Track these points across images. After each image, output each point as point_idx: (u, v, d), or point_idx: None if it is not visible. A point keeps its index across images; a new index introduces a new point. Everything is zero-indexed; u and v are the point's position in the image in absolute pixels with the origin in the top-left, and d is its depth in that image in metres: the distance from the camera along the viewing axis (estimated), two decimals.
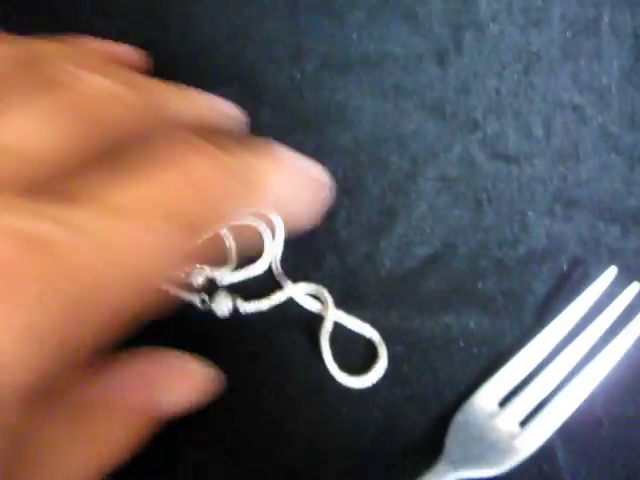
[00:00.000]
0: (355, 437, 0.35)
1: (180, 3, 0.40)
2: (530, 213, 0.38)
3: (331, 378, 0.35)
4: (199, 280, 0.37)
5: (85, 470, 0.27)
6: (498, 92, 0.39)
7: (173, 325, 0.33)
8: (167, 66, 0.41)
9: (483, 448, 0.34)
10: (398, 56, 0.39)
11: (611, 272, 0.37)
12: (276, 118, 0.39)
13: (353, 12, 0.39)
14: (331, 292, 0.37)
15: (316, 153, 0.38)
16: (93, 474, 0.27)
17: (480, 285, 0.37)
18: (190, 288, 0.37)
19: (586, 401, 0.35)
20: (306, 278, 0.37)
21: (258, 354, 0.36)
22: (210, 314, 0.36)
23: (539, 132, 0.39)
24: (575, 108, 0.39)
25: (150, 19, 0.40)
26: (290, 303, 0.37)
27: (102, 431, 0.27)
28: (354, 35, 0.39)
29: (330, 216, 0.39)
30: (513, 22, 0.39)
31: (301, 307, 0.37)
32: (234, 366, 0.35)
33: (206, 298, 0.37)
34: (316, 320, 0.36)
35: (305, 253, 0.38)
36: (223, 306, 0.37)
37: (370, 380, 0.36)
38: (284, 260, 0.37)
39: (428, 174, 0.39)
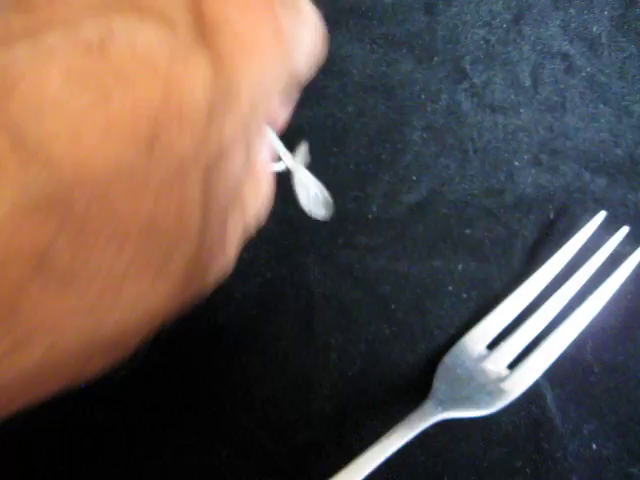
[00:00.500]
0: (343, 371, 0.35)
1: None
2: (516, 162, 0.38)
3: (322, 314, 0.35)
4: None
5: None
6: (487, 41, 0.39)
7: None
8: None
9: (471, 390, 0.34)
10: (387, 5, 0.39)
11: (599, 217, 0.37)
12: None
13: None
14: (318, 230, 0.37)
15: (304, 102, 0.39)
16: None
17: (468, 231, 0.37)
18: None
19: (575, 347, 0.35)
20: (292, 219, 0.37)
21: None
22: None
23: (527, 82, 0.39)
24: (564, 57, 0.39)
25: None
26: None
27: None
28: None
29: (319, 163, 0.39)
30: None
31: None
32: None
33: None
34: None
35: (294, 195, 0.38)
36: None
37: None
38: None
39: (415, 123, 0.39)
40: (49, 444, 0.33)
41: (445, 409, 0.33)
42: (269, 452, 0.33)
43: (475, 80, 0.39)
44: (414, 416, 0.33)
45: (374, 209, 0.38)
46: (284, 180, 0.40)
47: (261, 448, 0.32)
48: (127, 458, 0.33)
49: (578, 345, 0.35)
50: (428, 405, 0.33)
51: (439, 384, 0.34)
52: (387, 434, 0.32)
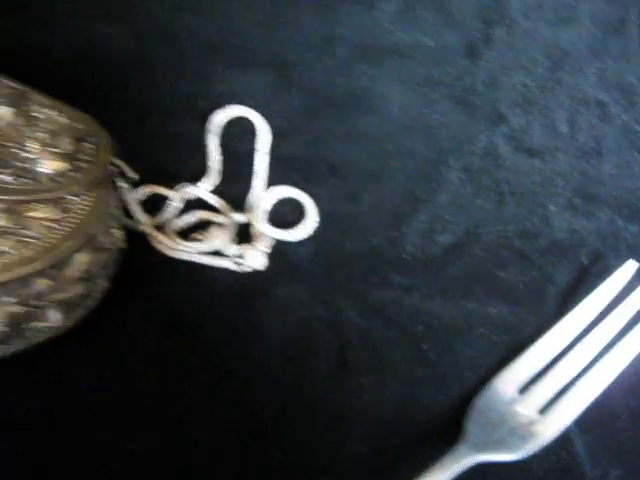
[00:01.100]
0: (376, 412, 0.35)
1: None
2: (551, 207, 0.39)
3: (355, 354, 0.36)
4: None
5: None
6: (525, 86, 0.40)
7: None
8: (202, 50, 0.42)
9: (503, 433, 0.34)
10: (429, 47, 0.40)
11: (631, 265, 0.37)
12: (306, 102, 0.41)
13: (387, 2, 0.40)
14: (354, 270, 0.38)
15: (344, 139, 0.40)
16: None
17: (501, 274, 0.38)
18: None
19: (604, 393, 0.36)
20: (330, 257, 0.38)
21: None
22: None
23: (563, 128, 0.40)
24: (600, 105, 0.40)
25: (187, 3, 0.41)
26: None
27: None
28: (387, 24, 0.40)
29: (355, 201, 0.40)
30: (543, 19, 0.40)
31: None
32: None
33: (240, 260, 0.38)
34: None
35: (330, 233, 0.39)
36: (258, 259, 0.38)
37: (300, 233, 0.39)
38: (311, 237, 0.39)
39: (452, 164, 0.40)
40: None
41: (478, 452, 0.33)
42: None
43: (513, 124, 0.40)
44: (448, 459, 0.33)
45: (409, 248, 0.39)
46: (329, 222, 0.41)
47: None
48: None
49: (606, 391, 0.36)
50: (461, 448, 0.33)
51: (471, 427, 0.34)
52: (422, 476, 0.32)
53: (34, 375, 0.34)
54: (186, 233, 0.39)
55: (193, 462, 0.33)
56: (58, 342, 0.35)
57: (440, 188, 0.40)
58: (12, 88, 0.39)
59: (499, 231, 0.39)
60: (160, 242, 0.39)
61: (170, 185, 0.41)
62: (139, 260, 0.38)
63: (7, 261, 0.31)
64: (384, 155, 0.40)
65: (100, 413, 0.34)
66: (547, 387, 0.36)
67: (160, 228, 0.39)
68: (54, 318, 0.34)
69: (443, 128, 0.40)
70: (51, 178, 0.34)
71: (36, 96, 0.38)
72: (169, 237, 0.39)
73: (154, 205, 0.40)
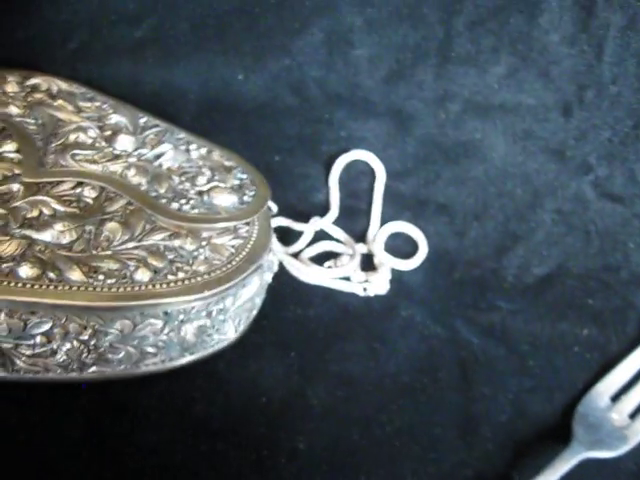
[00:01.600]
0: (497, 417, 0.40)
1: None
2: (631, 244, 0.46)
3: (473, 368, 0.41)
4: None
5: None
6: (610, 142, 0.47)
7: None
8: (328, 99, 0.48)
9: (602, 435, 0.41)
10: (530, 106, 0.47)
11: None
12: (420, 150, 0.47)
13: (496, 66, 0.47)
14: (464, 296, 0.44)
15: (451, 182, 0.46)
16: None
17: (590, 301, 0.45)
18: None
19: None
20: (441, 285, 0.44)
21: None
22: None
23: None
24: None
25: (316, 56, 0.47)
26: None
27: None
28: (494, 84, 0.47)
29: (461, 236, 0.46)
30: (629, 85, 0.46)
31: None
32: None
33: (366, 285, 0.44)
34: None
35: (439, 264, 0.45)
36: (382, 284, 0.43)
37: (414, 263, 0.45)
38: (422, 267, 0.45)
39: (546, 206, 0.47)
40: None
41: (587, 449, 0.40)
42: None
43: (599, 173, 0.47)
44: (565, 454, 0.39)
45: (509, 279, 0.46)
46: (438, 255, 0.46)
47: (439, 477, 0.38)
48: None
49: None
50: (574, 445, 0.40)
51: (578, 428, 0.41)
52: (545, 468, 0.38)
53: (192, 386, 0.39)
54: (316, 262, 0.45)
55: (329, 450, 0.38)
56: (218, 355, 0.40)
57: (536, 227, 0.46)
58: (158, 125, 0.44)
59: (587, 264, 0.46)
60: (297, 268, 0.44)
61: (297, 220, 0.46)
62: (279, 284, 0.43)
63: (204, 280, 0.36)
64: (486, 197, 0.47)
65: (249, 420, 0.38)
66: (635, 396, 0.42)
67: (294, 256, 0.45)
68: (229, 331, 0.39)
69: (539, 175, 0.47)
70: (225, 209, 0.40)
71: (182, 133, 0.44)
72: (305, 264, 0.44)
73: (282, 238, 0.45)
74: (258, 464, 0.37)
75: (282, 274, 0.44)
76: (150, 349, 0.37)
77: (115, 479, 0.36)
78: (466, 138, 0.47)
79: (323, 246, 0.46)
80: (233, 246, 0.38)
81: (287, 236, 0.46)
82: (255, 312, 0.41)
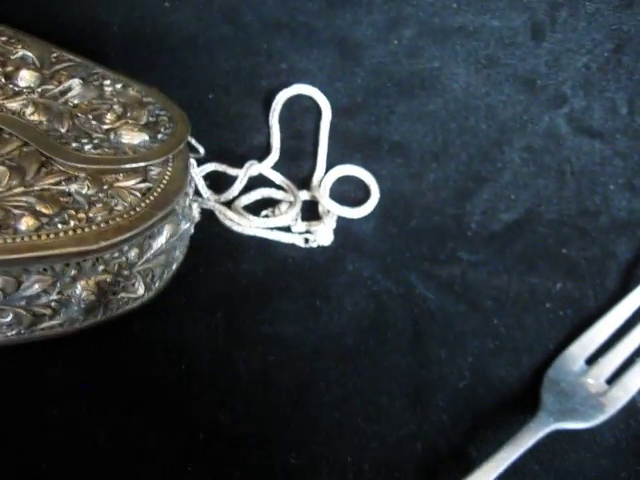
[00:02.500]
0: (454, 383, 0.35)
1: None
2: (611, 186, 0.40)
3: (428, 328, 0.37)
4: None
5: None
6: (588, 68, 0.41)
7: None
8: (265, 28, 0.43)
9: (575, 403, 0.36)
10: (494, 28, 0.41)
11: None
12: (371, 82, 0.42)
13: None
14: (421, 247, 0.39)
15: (406, 118, 0.41)
16: None
17: (564, 251, 0.39)
18: None
19: None
20: (395, 235, 0.39)
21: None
22: None
23: (623, 109, 0.41)
24: None
25: None
26: None
27: None
28: (454, 5, 0.41)
29: (418, 179, 0.41)
30: (608, 2, 0.41)
31: None
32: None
33: (309, 236, 0.39)
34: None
35: (394, 211, 0.40)
36: (325, 235, 0.38)
37: (365, 210, 0.40)
38: (374, 215, 0.39)
39: (515, 144, 0.41)
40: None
41: (556, 420, 0.34)
42: (390, 461, 0.33)
43: (575, 105, 0.42)
44: (531, 426, 0.34)
45: (473, 226, 0.40)
46: (392, 200, 0.42)
47: (381, 457, 0.33)
48: None
49: None
50: (541, 416, 0.35)
51: (547, 396, 0.35)
52: (507, 443, 0.33)
53: (105, 351, 0.34)
54: (252, 210, 0.40)
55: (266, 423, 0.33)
56: (132, 317, 0.35)
57: (503, 167, 0.41)
58: (73, 60, 0.39)
59: (561, 209, 0.40)
60: (230, 218, 0.39)
61: (233, 164, 0.41)
62: (209, 236, 0.38)
63: (100, 229, 0.31)
64: (447, 134, 0.41)
65: (170, 388, 0.34)
66: (613, 358, 0.37)
67: (227, 205, 0.40)
68: (138, 289, 0.34)
69: (506, 108, 0.41)
70: (133, 149, 0.34)
71: (99, 69, 0.39)
72: (238, 214, 0.39)
73: (216, 184, 0.40)
74: (171, 441, 0.32)
75: (213, 225, 0.39)
76: (43, 310, 0.32)
77: (12, 456, 0.31)
78: (422, 67, 0.42)
79: (261, 193, 0.40)
80: (140, 190, 0.33)
81: (223, 183, 0.40)
82: (175, 267, 0.36)
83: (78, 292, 0.32)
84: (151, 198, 0.33)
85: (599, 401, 0.35)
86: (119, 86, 0.38)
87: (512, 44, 0.42)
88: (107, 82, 0.38)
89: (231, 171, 0.41)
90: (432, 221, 0.40)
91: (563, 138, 0.41)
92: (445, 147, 0.41)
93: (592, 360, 0.36)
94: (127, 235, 0.32)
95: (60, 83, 0.37)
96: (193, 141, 0.38)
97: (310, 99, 0.43)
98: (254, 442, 0.32)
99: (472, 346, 0.36)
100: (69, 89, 0.37)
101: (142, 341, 0.35)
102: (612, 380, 0.36)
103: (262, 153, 0.41)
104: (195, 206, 0.37)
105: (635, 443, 0.35)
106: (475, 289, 0.38)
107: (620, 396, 0.36)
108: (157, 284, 0.35)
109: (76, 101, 0.36)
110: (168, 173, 0.34)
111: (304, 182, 0.41)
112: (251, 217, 0.39)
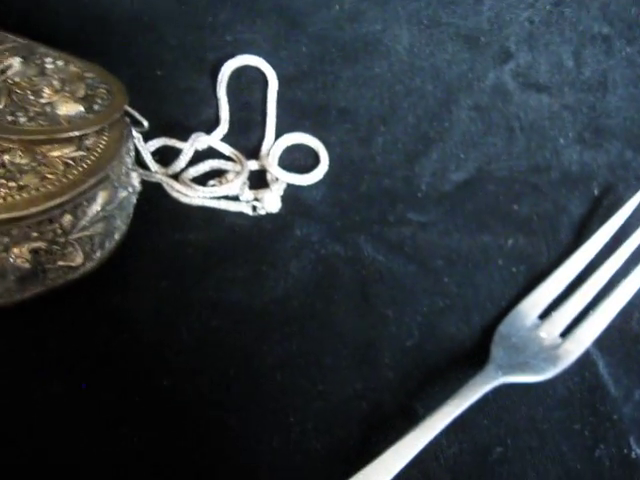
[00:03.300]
0: (402, 341, 0.35)
1: None
2: (561, 140, 0.40)
3: (376, 288, 0.36)
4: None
5: None
6: (531, 23, 0.41)
7: None
8: (205, 2, 0.43)
9: (527, 357, 0.35)
10: None
11: None
12: (315, 49, 0.41)
13: None
14: (370, 211, 0.38)
15: (352, 83, 0.40)
16: None
17: (515, 207, 0.38)
18: None
19: (623, 317, 0.36)
20: (345, 200, 0.38)
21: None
22: None
23: (569, 62, 0.40)
24: (604, 39, 0.41)
25: None
26: None
27: None
28: None
29: (367, 143, 0.41)
30: None
31: None
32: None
33: (257, 204, 0.38)
34: None
35: (343, 176, 0.39)
36: (273, 202, 0.38)
37: (314, 177, 0.39)
38: (324, 181, 0.39)
39: (462, 103, 0.40)
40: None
41: (505, 374, 0.34)
42: (334, 419, 0.33)
43: (520, 60, 0.41)
44: (477, 380, 0.33)
45: (423, 187, 0.39)
46: (339, 166, 0.41)
47: (325, 416, 0.32)
48: None
49: (625, 315, 0.36)
50: (489, 369, 0.34)
51: (497, 350, 0.35)
52: (452, 397, 0.32)
53: (48, 322, 0.34)
54: (201, 182, 0.39)
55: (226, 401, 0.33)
56: (75, 287, 0.35)
57: (451, 127, 0.40)
58: (16, 42, 0.39)
59: (511, 166, 0.40)
60: (176, 190, 0.39)
61: (183, 139, 0.40)
62: (156, 208, 0.38)
63: (31, 195, 0.31)
64: (393, 97, 0.41)
65: (114, 357, 0.33)
66: (566, 312, 0.36)
67: (174, 178, 0.40)
68: (76, 257, 0.34)
69: (451, 67, 0.41)
70: (68, 120, 0.34)
71: (42, 49, 0.39)
72: (185, 185, 0.39)
73: (166, 158, 0.40)
74: (108, 413, 0.31)
75: (160, 197, 0.38)
76: None
77: None
78: (365, 30, 0.41)
79: (209, 164, 0.40)
80: (73, 158, 0.33)
81: (174, 158, 0.39)
82: (118, 237, 0.35)
83: (12, 260, 0.32)
84: (84, 166, 0.33)
85: (552, 355, 0.35)
86: (60, 63, 0.38)
87: (453, 2, 0.41)
88: (48, 60, 0.38)
89: (181, 145, 0.40)
90: (382, 185, 0.40)
91: (510, 94, 0.40)
92: (392, 110, 0.40)
93: (545, 315, 0.36)
94: (58, 201, 0.31)
95: (1, 63, 0.37)
96: (136, 114, 0.38)
97: (256, 70, 0.42)
98: (193, 406, 0.32)
99: (422, 305, 0.36)
100: (9, 67, 0.37)
101: (85, 311, 0.34)
102: (566, 334, 0.35)
103: (212, 126, 0.41)
104: (135, 175, 0.36)
105: (589, 395, 0.34)
106: (425, 249, 0.38)
107: (574, 349, 0.35)
108: (98, 253, 0.35)
109: (16, 79, 0.36)
110: (103, 142, 0.34)
111: (254, 153, 0.40)
112: (198, 187, 0.39)
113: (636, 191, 0.39)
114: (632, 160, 0.39)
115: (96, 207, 0.33)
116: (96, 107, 0.35)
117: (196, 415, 0.32)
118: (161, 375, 0.33)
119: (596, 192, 0.39)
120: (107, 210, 0.34)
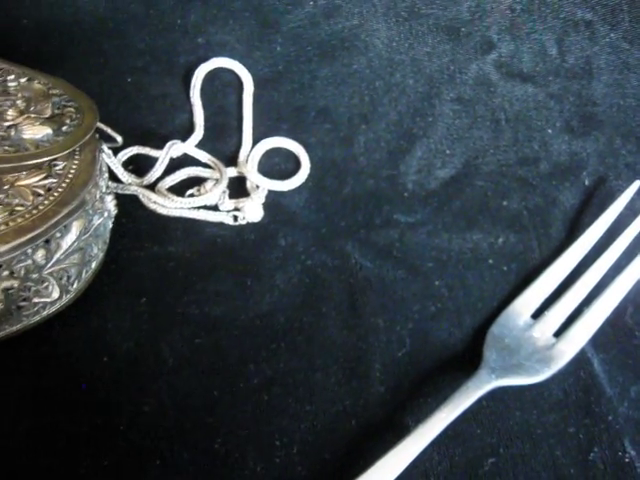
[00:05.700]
0: (392, 351, 0.34)
1: None
2: (549, 130, 0.39)
3: (365, 297, 0.35)
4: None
5: None
6: (512, 10, 0.39)
7: None
8: (176, 2, 0.41)
9: (520, 358, 0.34)
10: None
11: (634, 186, 0.37)
12: (290, 48, 0.40)
13: None
14: (355, 214, 0.37)
15: (331, 81, 0.39)
16: None
17: (505, 203, 0.37)
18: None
19: (616, 313, 0.35)
20: (329, 204, 0.37)
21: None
22: None
23: (553, 50, 0.39)
24: (587, 25, 0.39)
25: None
26: None
27: None
28: None
29: (349, 143, 0.39)
30: None
31: None
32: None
33: (238, 214, 0.37)
34: None
35: (326, 179, 0.38)
36: (254, 211, 0.37)
37: (295, 182, 0.38)
38: (306, 186, 0.38)
39: (445, 96, 0.39)
40: None
41: (498, 377, 0.33)
42: (321, 441, 0.32)
43: (502, 50, 0.40)
44: (470, 384, 0.32)
45: (409, 186, 0.38)
46: (323, 169, 0.40)
47: (312, 438, 0.31)
48: None
49: (619, 311, 0.35)
50: (482, 373, 0.33)
51: (490, 353, 0.34)
52: (445, 403, 0.31)
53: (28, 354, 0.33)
54: (178, 192, 0.38)
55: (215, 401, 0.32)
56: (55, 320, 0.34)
57: (434, 121, 0.39)
58: None
59: (499, 160, 0.39)
60: (153, 201, 0.37)
61: (157, 146, 0.39)
62: (132, 221, 0.37)
63: (1, 232, 0.29)
64: (374, 93, 0.39)
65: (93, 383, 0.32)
66: (560, 311, 0.35)
67: (151, 188, 0.38)
68: (52, 292, 0.32)
69: (432, 60, 0.40)
70: (35, 144, 0.32)
71: (3, 64, 0.37)
72: (162, 195, 0.38)
73: (140, 168, 0.38)
74: (91, 435, 0.30)
75: (138, 210, 0.37)
76: None
77: None
78: (341, 26, 0.40)
79: (186, 172, 0.39)
80: (43, 187, 0.31)
81: (148, 167, 0.38)
82: (95, 265, 0.34)
83: None
84: (55, 194, 0.31)
85: (546, 355, 0.34)
86: (24, 80, 0.36)
87: None
88: (11, 77, 0.36)
89: (155, 153, 0.39)
90: (366, 186, 0.38)
91: (494, 85, 0.39)
92: (373, 107, 0.39)
93: (538, 314, 0.35)
94: (29, 236, 0.30)
95: None
96: (109, 130, 0.36)
97: (230, 72, 0.41)
98: (176, 429, 0.31)
99: (412, 311, 0.35)
100: None
101: (63, 340, 0.33)
102: (560, 333, 0.34)
103: (186, 132, 0.40)
104: (109, 199, 0.35)
105: (584, 396, 0.33)
106: (414, 251, 0.36)
107: (568, 349, 0.34)
108: (75, 285, 0.33)
109: None
110: (74, 167, 0.32)
111: (232, 159, 0.39)
112: (175, 198, 0.37)
113: (627, 179, 0.38)
114: (621, 147, 0.38)
115: (71, 238, 0.32)
116: (65, 128, 0.33)
117: (177, 441, 0.31)
118: (140, 399, 0.31)
119: (587, 182, 0.38)
120: (82, 240, 0.32)
